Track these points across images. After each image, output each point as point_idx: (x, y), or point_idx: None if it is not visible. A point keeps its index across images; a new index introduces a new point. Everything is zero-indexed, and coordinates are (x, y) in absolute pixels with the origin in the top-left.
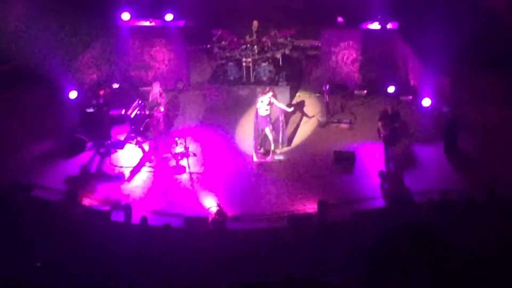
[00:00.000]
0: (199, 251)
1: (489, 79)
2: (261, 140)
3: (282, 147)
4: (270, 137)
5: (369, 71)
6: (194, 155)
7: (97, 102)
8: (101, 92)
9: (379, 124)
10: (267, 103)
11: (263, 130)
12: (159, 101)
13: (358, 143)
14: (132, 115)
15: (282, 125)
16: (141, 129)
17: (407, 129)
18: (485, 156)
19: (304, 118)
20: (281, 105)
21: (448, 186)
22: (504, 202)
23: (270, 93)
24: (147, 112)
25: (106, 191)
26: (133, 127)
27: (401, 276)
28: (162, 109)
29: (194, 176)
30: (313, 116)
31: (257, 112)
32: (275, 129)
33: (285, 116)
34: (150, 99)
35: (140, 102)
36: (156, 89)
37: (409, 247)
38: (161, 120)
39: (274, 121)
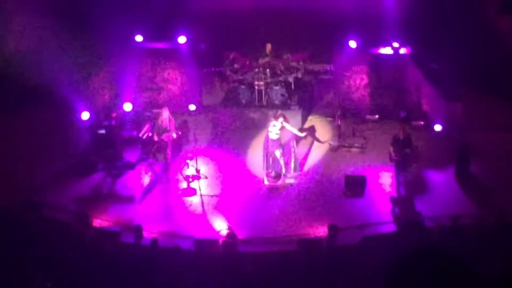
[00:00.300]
0: (209, 273)
1: (500, 105)
2: (272, 163)
3: (294, 173)
4: (281, 160)
5: (381, 96)
6: (205, 177)
7: (109, 123)
8: (113, 114)
9: (391, 148)
10: (279, 127)
11: (273, 153)
12: (168, 127)
13: (369, 167)
14: (144, 137)
15: (294, 150)
16: (153, 151)
17: (418, 154)
18: (496, 181)
19: (316, 142)
20: (293, 129)
21: (459, 211)
22: None
23: (281, 118)
24: (155, 138)
25: (116, 212)
26: (144, 149)
27: None
28: (174, 135)
29: (205, 198)
30: (325, 141)
31: (267, 135)
32: (285, 153)
33: (296, 141)
34: (158, 125)
35: (151, 124)
36: (165, 114)
37: (432, 273)
38: (169, 144)
39: (285, 145)
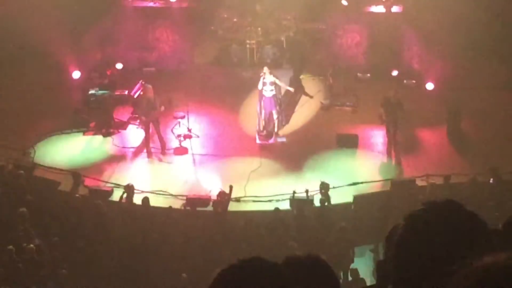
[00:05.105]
0: (201, 232)
1: (491, 64)
2: (264, 122)
3: (281, 128)
4: (275, 119)
5: (373, 55)
6: (197, 136)
7: (101, 82)
8: (108, 72)
9: (381, 110)
10: (270, 80)
11: (270, 112)
12: (155, 105)
13: (361, 126)
14: (135, 96)
15: (279, 105)
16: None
17: (409, 114)
18: (487, 139)
19: (307, 101)
20: (283, 84)
21: (451, 170)
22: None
23: (266, 68)
24: (143, 118)
25: (108, 171)
26: (136, 108)
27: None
28: (162, 108)
29: (196, 157)
30: (313, 97)
31: (261, 94)
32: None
33: (288, 97)
34: (144, 104)
35: (143, 83)
36: (150, 93)
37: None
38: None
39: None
